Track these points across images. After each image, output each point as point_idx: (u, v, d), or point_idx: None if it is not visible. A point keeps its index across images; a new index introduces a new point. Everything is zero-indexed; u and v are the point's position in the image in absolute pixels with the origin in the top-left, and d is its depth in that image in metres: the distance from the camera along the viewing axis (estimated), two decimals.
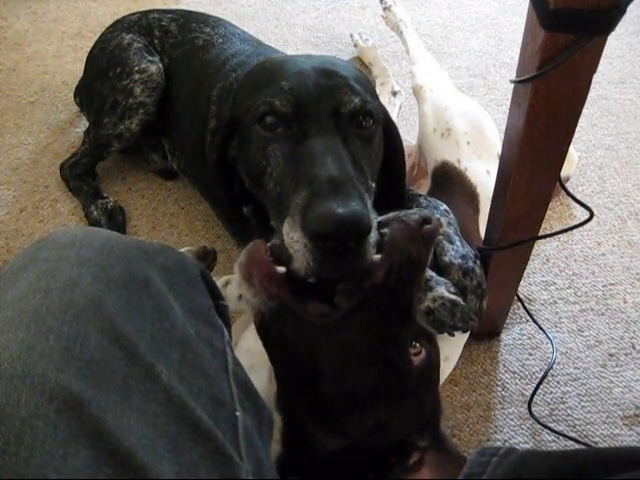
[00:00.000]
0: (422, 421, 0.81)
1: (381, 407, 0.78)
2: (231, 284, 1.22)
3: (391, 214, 0.87)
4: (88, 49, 1.79)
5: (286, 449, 0.81)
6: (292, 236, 0.84)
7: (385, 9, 2.08)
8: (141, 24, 1.72)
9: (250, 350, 1.11)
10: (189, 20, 1.68)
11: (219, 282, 1.22)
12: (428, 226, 0.85)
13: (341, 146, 0.92)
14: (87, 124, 1.81)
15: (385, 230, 0.84)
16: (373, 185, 1.00)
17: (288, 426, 0.81)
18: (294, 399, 0.81)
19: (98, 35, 1.79)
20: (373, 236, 0.83)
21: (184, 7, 1.78)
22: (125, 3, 2.55)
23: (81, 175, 1.76)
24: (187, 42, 1.62)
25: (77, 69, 1.99)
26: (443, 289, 1.12)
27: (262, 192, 1.03)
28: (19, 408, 0.45)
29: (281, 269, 0.81)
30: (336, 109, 0.93)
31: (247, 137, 1.02)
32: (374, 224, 0.85)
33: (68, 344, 0.50)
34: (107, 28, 1.79)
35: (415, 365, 0.80)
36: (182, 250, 1.28)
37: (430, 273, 1.14)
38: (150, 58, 1.62)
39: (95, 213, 1.68)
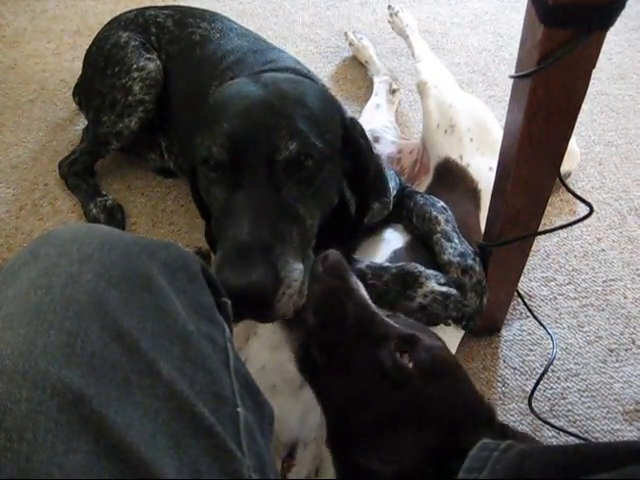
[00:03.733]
0: (463, 416, 0.80)
1: (408, 421, 0.78)
2: None
3: None
4: (87, 47, 1.79)
5: None
6: None
7: (392, 14, 2.10)
8: (137, 21, 1.72)
9: (267, 368, 1.09)
10: (185, 15, 1.68)
11: None
12: (327, 260, 0.92)
13: (268, 199, 0.91)
14: (86, 122, 1.81)
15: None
16: (315, 225, 1.00)
17: (340, 462, 0.82)
18: (339, 431, 0.83)
19: (97, 33, 1.78)
20: (292, 286, 0.89)
21: (182, 4, 1.78)
22: (123, 1, 2.55)
23: (80, 173, 1.76)
24: (184, 37, 1.62)
25: (76, 67, 1.99)
26: (433, 283, 1.12)
27: None
28: (21, 404, 0.45)
29: None
30: (270, 156, 0.92)
31: (198, 169, 1.02)
32: (295, 274, 0.89)
33: (69, 340, 0.50)
34: (104, 26, 1.79)
35: (412, 368, 0.80)
36: None
37: (419, 268, 1.14)
38: (148, 56, 1.62)
39: (94, 211, 1.68)
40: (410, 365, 0.81)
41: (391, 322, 0.89)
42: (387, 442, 0.78)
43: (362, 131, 1.11)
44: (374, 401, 0.80)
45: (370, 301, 0.92)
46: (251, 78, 1.02)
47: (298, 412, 1.04)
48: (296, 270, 0.90)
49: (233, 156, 0.93)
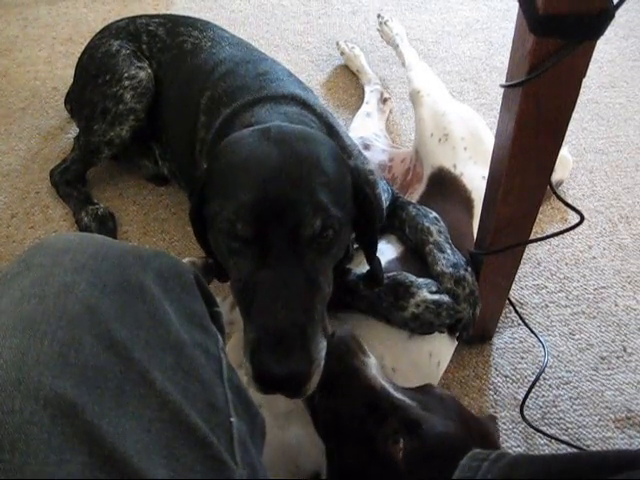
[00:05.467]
0: None
1: None
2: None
3: None
4: (79, 55, 1.79)
5: None
6: (245, 364, 0.90)
7: (381, 24, 2.11)
8: (129, 30, 1.72)
9: None
10: (177, 24, 1.67)
11: (225, 305, 1.19)
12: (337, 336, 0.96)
13: (295, 277, 0.91)
14: (78, 130, 1.81)
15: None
16: (331, 288, 1.00)
17: None
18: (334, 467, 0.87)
19: (89, 41, 1.78)
20: (321, 364, 0.90)
21: (175, 13, 1.78)
22: (116, 9, 2.55)
23: (71, 181, 1.76)
24: (175, 46, 1.62)
25: (68, 75, 1.99)
26: (425, 292, 1.13)
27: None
28: (13, 414, 0.45)
29: None
30: (294, 231, 0.91)
31: (216, 233, 0.99)
32: (322, 352, 0.91)
33: (63, 350, 0.49)
34: (95, 35, 1.78)
35: (401, 458, 0.79)
36: (185, 260, 1.25)
37: (410, 278, 1.14)
38: (139, 64, 1.62)
39: (85, 219, 1.68)
40: (400, 454, 0.79)
41: (405, 400, 0.88)
42: None
43: (365, 177, 1.11)
44: (361, 465, 0.82)
45: (379, 378, 0.92)
46: (259, 133, 0.99)
47: (318, 440, 1.02)
48: (323, 348, 0.91)
49: (257, 232, 0.91)
